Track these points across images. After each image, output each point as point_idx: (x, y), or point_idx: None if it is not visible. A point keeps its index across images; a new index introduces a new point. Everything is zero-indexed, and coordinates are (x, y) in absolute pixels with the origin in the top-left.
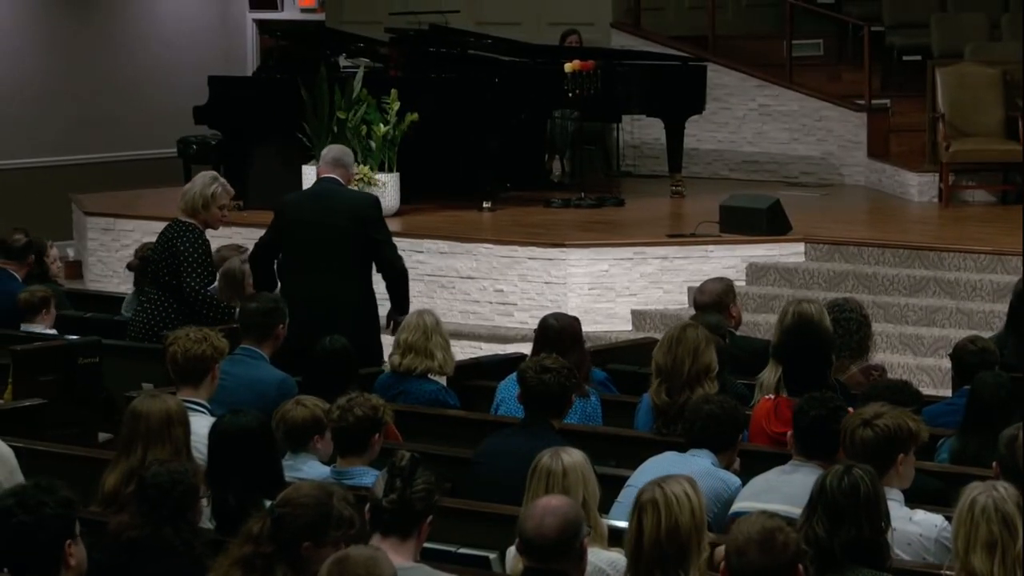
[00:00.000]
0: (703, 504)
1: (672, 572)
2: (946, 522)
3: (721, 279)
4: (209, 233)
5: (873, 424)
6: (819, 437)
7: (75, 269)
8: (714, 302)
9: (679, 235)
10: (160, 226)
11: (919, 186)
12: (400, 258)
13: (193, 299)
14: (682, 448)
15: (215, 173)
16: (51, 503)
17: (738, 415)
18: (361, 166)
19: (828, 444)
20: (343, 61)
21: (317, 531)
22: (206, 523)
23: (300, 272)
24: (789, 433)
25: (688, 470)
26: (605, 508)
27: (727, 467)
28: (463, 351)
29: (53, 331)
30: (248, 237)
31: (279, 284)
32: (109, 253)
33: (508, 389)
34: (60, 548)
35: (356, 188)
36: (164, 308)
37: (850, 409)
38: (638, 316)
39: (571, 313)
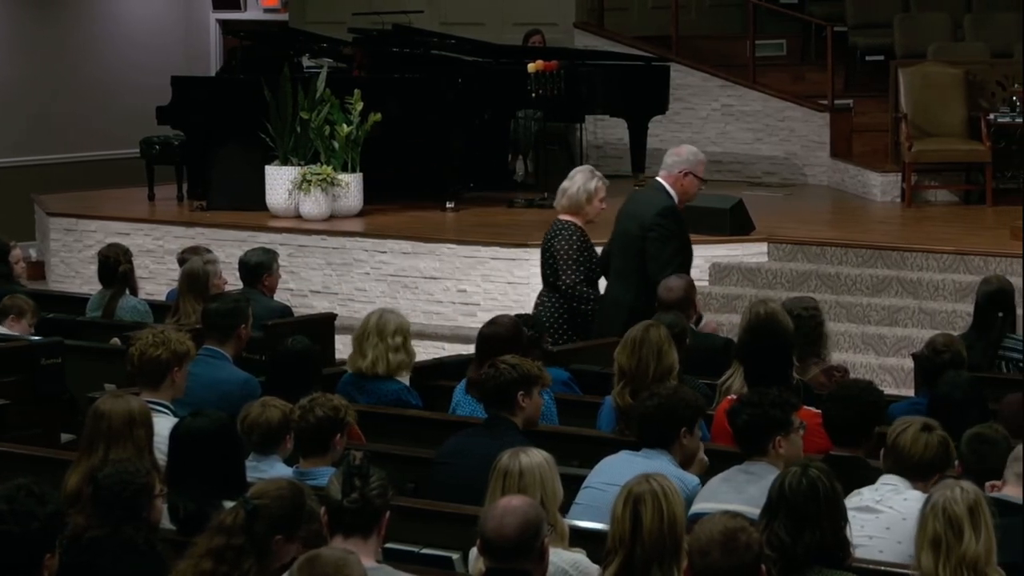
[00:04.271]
0: (683, 501)
1: (668, 566)
2: None
3: (682, 275)
4: (174, 233)
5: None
6: (744, 434)
7: (38, 270)
8: (681, 298)
9: None
10: (123, 226)
11: (882, 186)
12: (661, 270)
13: (569, 294)
14: (636, 447)
15: (591, 167)
16: (40, 516)
17: (676, 408)
18: (324, 166)
19: (756, 441)
20: (306, 61)
21: (290, 524)
22: (167, 523)
23: (611, 273)
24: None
25: (647, 469)
26: (567, 508)
27: (682, 462)
28: (426, 351)
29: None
30: (212, 238)
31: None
32: (72, 254)
33: (464, 393)
34: (40, 560)
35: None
36: (549, 307)
37: (810, 409)
38: None
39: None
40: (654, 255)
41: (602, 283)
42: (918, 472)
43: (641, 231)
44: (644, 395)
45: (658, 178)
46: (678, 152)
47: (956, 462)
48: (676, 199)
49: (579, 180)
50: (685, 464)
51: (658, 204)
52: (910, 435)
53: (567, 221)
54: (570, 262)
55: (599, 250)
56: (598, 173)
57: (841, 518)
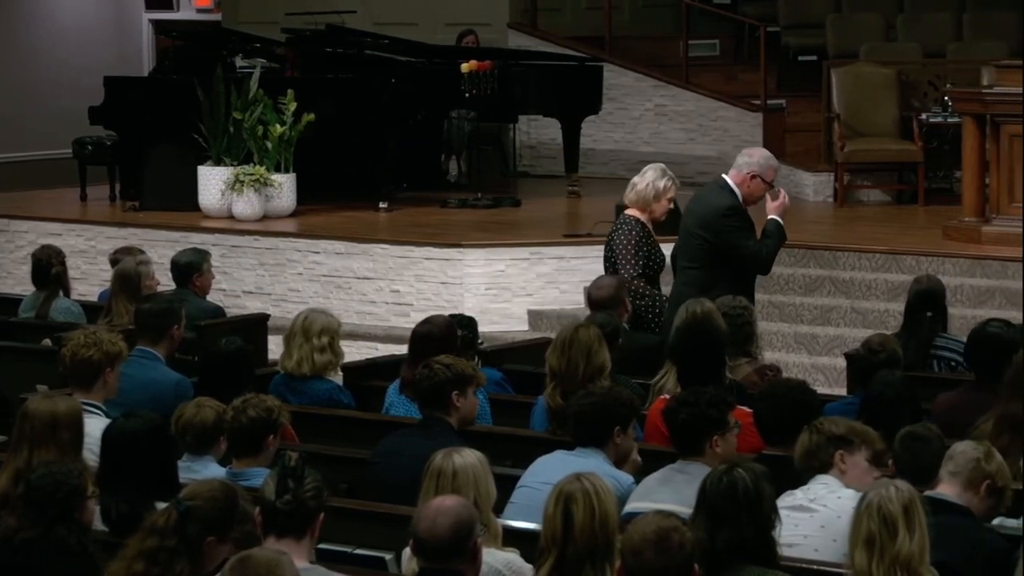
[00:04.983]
0: (615, 499)
1: (600, 565)
2: None
3: (615, 275)
4: (106, 234)
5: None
6: (681, 434)
7: None
8: (611, 296)
9: (575, 235)
10: (55, 227)
11: (814, 186)
12: (754, 255)
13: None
14: (570, 447)
15: (664, 166)
16: None
17: (610, 407)
18: (257, 167)
19: (692, 441)
20: (239, 61)
21: (222, 526)
22: (99, 525)
23: (677, 270)
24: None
25: (582, 468)
26: (501, 508)
27: (616, 462)
28: (359, 352)
29: None
30: (144, 238)
31: None
32: (4, 254)
33: (397, 393)
34: None
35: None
36: None
37: (742, 408)
38: (534, 316)
39: (468, 313)
40: (737, 248)
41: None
42: (820, 462)
43: (703, 230)
44: (580, 394)
45: (725, 176)
46: (750, 153)
47: (890, 462)
48: (740, 199)
49: (649, 176)
50: (619, 463)
51: (721, 204)
52: (798, 442)
53: (630, 216)
54: (628, 256)
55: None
56: (670, 172)
57: (764, 517)
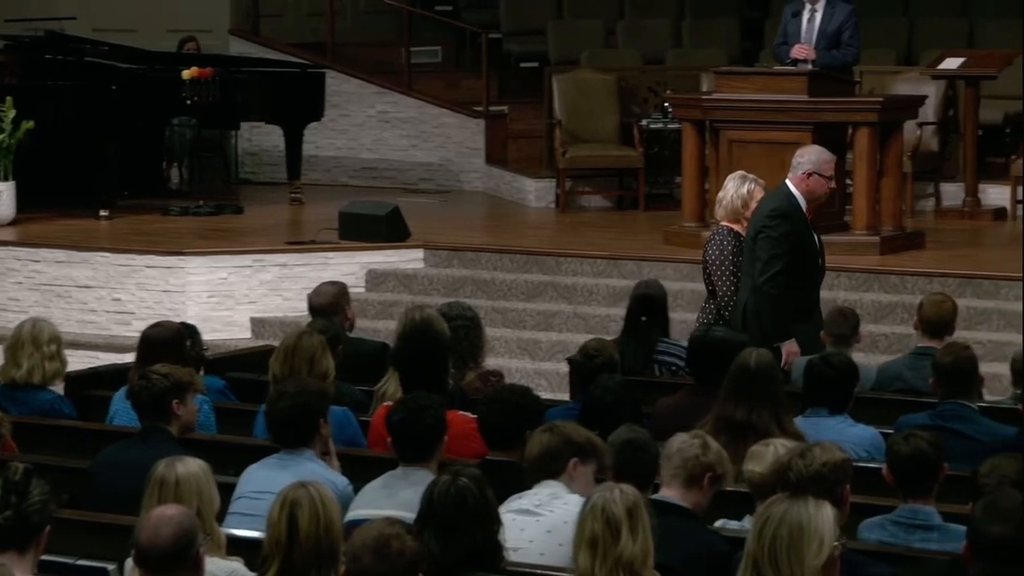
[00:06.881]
0: (339, 506)
1: (325, 571)
2: None
3: (335, 282)
4: None
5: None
6: (405, 440)
7: None
8: (330, 303)
9: (298, 242)
10: None
11: (536, 192)
12: (763, 276)
13: (722, 305)
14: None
15: (743, 172)
16: None
17: (309, 401)
18: None
19: (416, 446)
20: None
21: None
22: None
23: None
24: (390, 439)
25: (296, 474)
26: (223, 517)
27: (320, 454)
28: (80, 361)
29: None
30: None
31: None
32: None
33: (123, 400)
34: None
35: None
36: (706, 313)
37: (466, 414)
38: (257, 324)
39: (190, 322)
40: (759, 256)
41: None
42: (555, 467)
43: (754, 233)
44: (271, 398)
45: (786, 180)
46: (802, 153)
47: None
48: (802, 200)
49: (731, 187)
50: (322, 455)
51: (768, 207)
52: (533, 442)
53: (724, 227)
54: (723, 270)
55: None
56: (750, 176)
57: (492, 523)
